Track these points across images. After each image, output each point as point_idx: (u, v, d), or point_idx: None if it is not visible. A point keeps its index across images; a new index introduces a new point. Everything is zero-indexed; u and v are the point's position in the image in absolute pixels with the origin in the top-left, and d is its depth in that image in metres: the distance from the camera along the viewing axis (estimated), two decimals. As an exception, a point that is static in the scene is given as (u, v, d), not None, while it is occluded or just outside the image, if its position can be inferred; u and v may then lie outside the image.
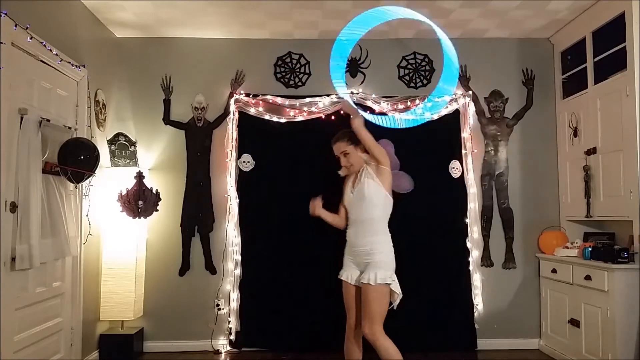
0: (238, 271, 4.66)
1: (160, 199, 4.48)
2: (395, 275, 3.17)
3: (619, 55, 3.87)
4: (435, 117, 4.71)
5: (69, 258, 3.79)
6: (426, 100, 3.88)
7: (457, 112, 4.81)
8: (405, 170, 4.63)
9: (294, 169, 4.71)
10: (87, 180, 3.85)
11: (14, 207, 3.06)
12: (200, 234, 4.76)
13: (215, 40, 4.86)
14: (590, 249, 3.98)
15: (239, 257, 4.67)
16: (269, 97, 4.73)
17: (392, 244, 3.24)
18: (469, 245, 4.70)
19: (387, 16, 3.08)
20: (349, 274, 3.27)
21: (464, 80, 4.87)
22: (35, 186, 3.17)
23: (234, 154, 4.71)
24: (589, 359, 3.90)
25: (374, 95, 4.76)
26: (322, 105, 4.71)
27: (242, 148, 4.74)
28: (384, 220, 3.25)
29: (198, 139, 4.79)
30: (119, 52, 4.79)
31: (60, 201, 3.53)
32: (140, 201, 4.27)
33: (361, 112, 3.15)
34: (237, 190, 4.70)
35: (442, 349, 4.58)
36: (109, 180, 4.41)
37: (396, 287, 3.13)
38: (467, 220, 4.72)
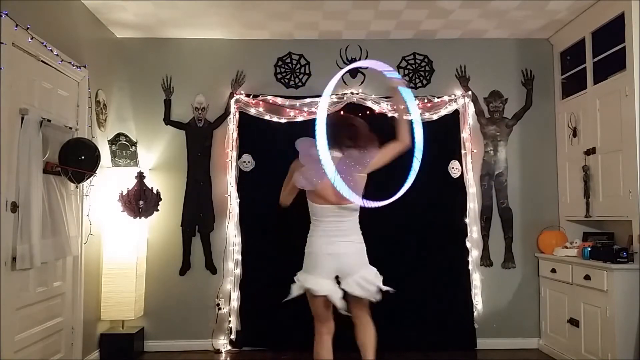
0: (238, 271, 4.67)
1: (160, 199, 4.49)
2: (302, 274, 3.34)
3: (619, 55, 3.88)
4: (435, 117, 4.73)
5: (69, 258, 3.80)
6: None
7: (456, 112, 4.82)
8: (403, 171, 4.65)
9: (294, 169, 4.72)
10: (88, 180, 3.87)
11: (14, 207, 3.07)
12: (200, 234, 4.77)
13: (216, 41, 4.87)
14: (589, 249, 3.99)
15: (240, 257, 4.68)
16: (269, 97, 4.75)
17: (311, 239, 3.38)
18: (468, 245, 4.71)
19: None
20: None
21: (464, 80, 4.89)
22: (36, 186, 3.18)
23: (235, 154, 4.72)
24: (589, 358, 3.91)
25: (373, 96, 4.76)
26: (322, 106, 4.73)
27: (243, 148, 4.75)
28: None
29: (198, 139, 4.80)
30: (120, 52, 4.80)
31: (61, 201, 3.54)
32: (141, 201, 4.28)
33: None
34: (238, 190, 4.71)
35: (441, 348, 4.58)
36: (110, 180, 4.42)
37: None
38: (467, 220, 4.73)
